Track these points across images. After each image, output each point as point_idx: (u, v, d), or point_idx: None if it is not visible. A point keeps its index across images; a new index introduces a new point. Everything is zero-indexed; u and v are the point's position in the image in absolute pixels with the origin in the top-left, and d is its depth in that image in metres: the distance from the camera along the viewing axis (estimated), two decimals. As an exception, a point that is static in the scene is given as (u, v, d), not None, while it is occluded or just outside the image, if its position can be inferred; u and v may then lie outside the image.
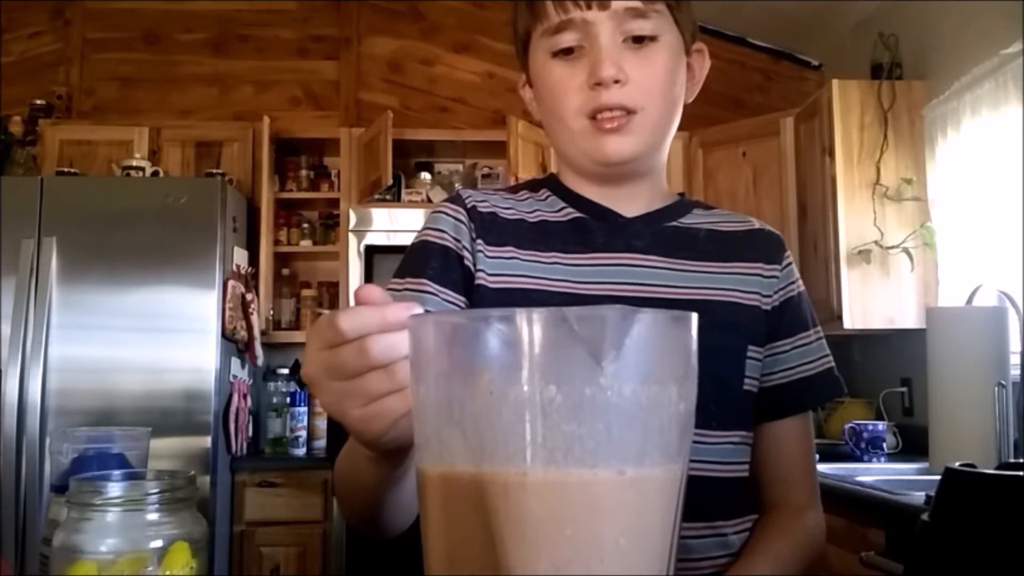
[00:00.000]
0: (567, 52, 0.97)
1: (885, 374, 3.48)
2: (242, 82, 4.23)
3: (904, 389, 3.34)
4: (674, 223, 1.05)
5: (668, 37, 0.98)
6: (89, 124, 3.99)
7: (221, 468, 3.30)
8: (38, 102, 3.96)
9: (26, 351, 3.16)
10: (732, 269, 1.03)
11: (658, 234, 1.03)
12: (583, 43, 0.96)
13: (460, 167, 4.13)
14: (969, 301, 2.65)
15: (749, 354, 1.00)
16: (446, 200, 1.04)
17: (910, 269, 3.10)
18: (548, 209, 1.04)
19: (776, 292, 1.05)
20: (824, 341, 1.07)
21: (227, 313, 3.31)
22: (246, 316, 3.46)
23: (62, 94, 4.09)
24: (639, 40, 0.96)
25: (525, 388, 0.46)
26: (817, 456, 1.14)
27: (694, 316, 0.51)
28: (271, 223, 3.82)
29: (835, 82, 3.23)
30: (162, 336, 3.23)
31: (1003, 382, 2.45)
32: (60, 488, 0.91)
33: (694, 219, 1.06)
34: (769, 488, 1.04)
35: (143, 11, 4.23)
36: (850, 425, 3.02)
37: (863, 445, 2.94)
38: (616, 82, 0.94)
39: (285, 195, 3.93)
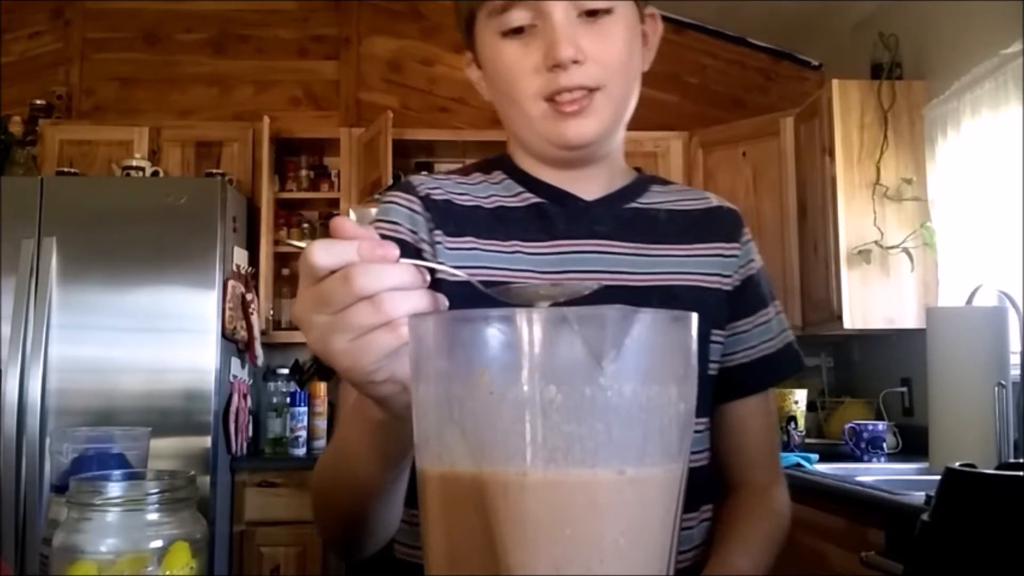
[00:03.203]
0: (518, 31, 0.91)
1: (885, 374, 3.48)
2: (242, 82, 4.23)
3: (904, 389, 3.33)
4: (634, 204, 1.01)
5: (622, 7, 0.93)
6: (89, 124, 3.99)
7: (221, 468, 3.29)
8: (38, 102, 3.96)
9: (26, 351, 3.16)
10: (694, 251, 1.01)
11: (619, 217, 0.99)
12: (535, 21, 0.90)
13: (460, 167, 4.12)
14: (969, 301, 2.65)
15: (713, 338, 0.99)
16: (396, 189, 0.99)
17: (910, 269, 3.10)
18: (505, 193, 1.00)
19: (736, 271, 1.03)
20: (783, 315, 1.06)
21: (227, 313, 3.31)
22: (246, 316, 3.46)
23: (62, 94, 4.09)
24: (593, 14, 0.91)
25: (525, 388, 0.46)
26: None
27: (694, 316, 0.51)
28: (271, 223, 3.82)
29: (835, 82, 3.23)
30: (162, 336, 3.23)
31: (1003, 382, 2.45)
32: (60, 488, 0.91)
33: (653, 198, 1.03)
34: (734, 469, 1.04)
35: (143, 11, 4.22)
36: (850, 425, 3.02)
37: (863, 445, 2.94)
38: (575, 62, 0.89)
39: (285, 195, 3.93)
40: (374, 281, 0.55)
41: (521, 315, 0.46)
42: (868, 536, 2.09)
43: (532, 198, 0.99)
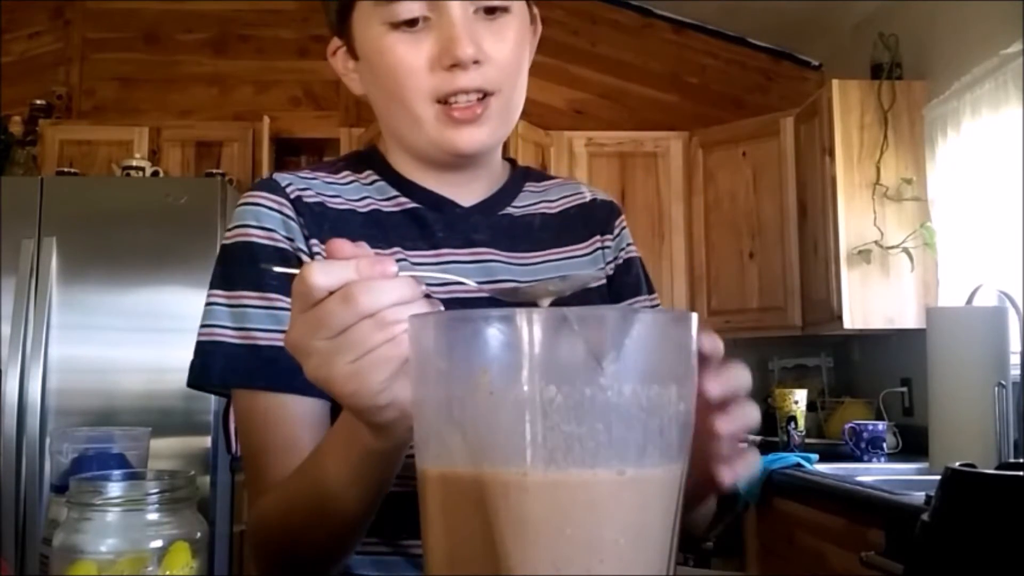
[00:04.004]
0: (409, 24, 0.83)
1: (885, 374, 3.48)
2: (242, 82, 4.23)
3: (904, 389, 3.33)
4: (509, 210, 0.96)
5: (518, 6, 0.87)
6: (89, 124, 3.99)
7: (221, 468, 3.29)
8: (38, 102, 3.96)
9: (26, 351, 3.15)
10: (572, 252, 0.97)
11: (495, 226, 0.94)
12: (429, 14, 0.82)
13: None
14: (969, 301, 2.65)
15: None
16: (259, 189, 0.90)
17: (910, 269, 3.10)
18: (378, 196, 0.92)
19: (609, 262, 1.00)
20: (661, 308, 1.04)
21: (227, 313, 3.31)
22: (246, 316, 3.46)
23: (62, 94, 4.09)
24: (491, 12, 0.84)
25: (525, 388, 0.46)
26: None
27: (694, 316, 0.51)
28: (271, 223, 3.82)
29: (835, 82, 3.23)
30: (162, 336, 3.23)
31: (1003, 382, 2.45)
32: (60, 488, 0.91)
33: (527, 200, 0.99)
34: None
35: (143, 11, 4.22)
36: (850, 425, 3.02)
37: (863, 445, 2.94)
38: (475, 62, 0.82)
39: (285, 195, 3.93)
40: (376, 298, 0.54)
41: (521, 315, 0.46)
42: (868, 536, 2.09)
43: (407, 203, 0.92)
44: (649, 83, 4.22)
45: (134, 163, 3.58)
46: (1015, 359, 2.56)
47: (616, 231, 1.02)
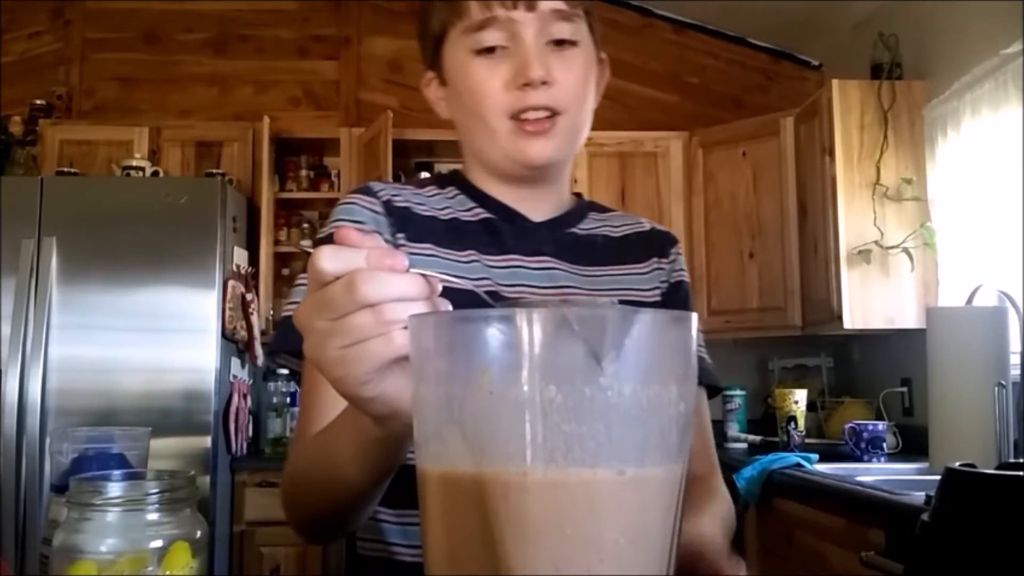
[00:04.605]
0: (489, 51, 0.96)
1: (885, 374, 3.48)
2: (242, 82, 4.23)
3: (904, 389, 3.33)
4: (573, 230, 1.08)
5: (585, 44, 0.99)
6: (89, 124, 3.99)
7: (221, 468, 3.29)
8: (38, 102, 3.96)
9: (26, 351, 3.16)
10: (630, 270, 1.08)
11: (560, 240, 1.05)
12: (506, 43, 0.96)
13: (460, 167, 4.11)
14: (969, 301, 2.65)
15: None
16: (356, 192, 1.02)
17: (910, 269, 3.10)
18: (459, 208, 1.05)
19: (663, 281, 1.10)
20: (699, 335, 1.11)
21: (227, 313, 3.31)
22: (246, 316, 3.46)
23: (62, 94, 4.09)
24: (560, 43, 0.97)
25: (525, 388, 0.46)
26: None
27: (694, 316, 0.51)
28: (271, 223, 3.82)
29: (835, 82, 3.23)
30: (162, 336, 3.23)
31: (1003, 382, 2.45)
32: (60, 488, 0.91)
33: (590, 224, 1.10)
34: None
35: (143, 11, 4.22)
36: (850, 425, 3.02)
37: (863, 445, 2.94)
38: (543, 83, 0.94)
39: (285, 195, 3.93)
40: (378, 289, 0.55)
41: (521, 315, 0.46)
42: (868, 536, 2.09)
43: (483, 213, 1.04)
44: (649, 83, 4.22)
45: (134, 163, 3.59)
46: (1015, 359, 2.56)
47: (671, 257, 1.12)
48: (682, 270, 1.13)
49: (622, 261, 1.08)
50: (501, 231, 1.03)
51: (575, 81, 0.97)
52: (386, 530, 0.97)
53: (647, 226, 1.15)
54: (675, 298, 1.10)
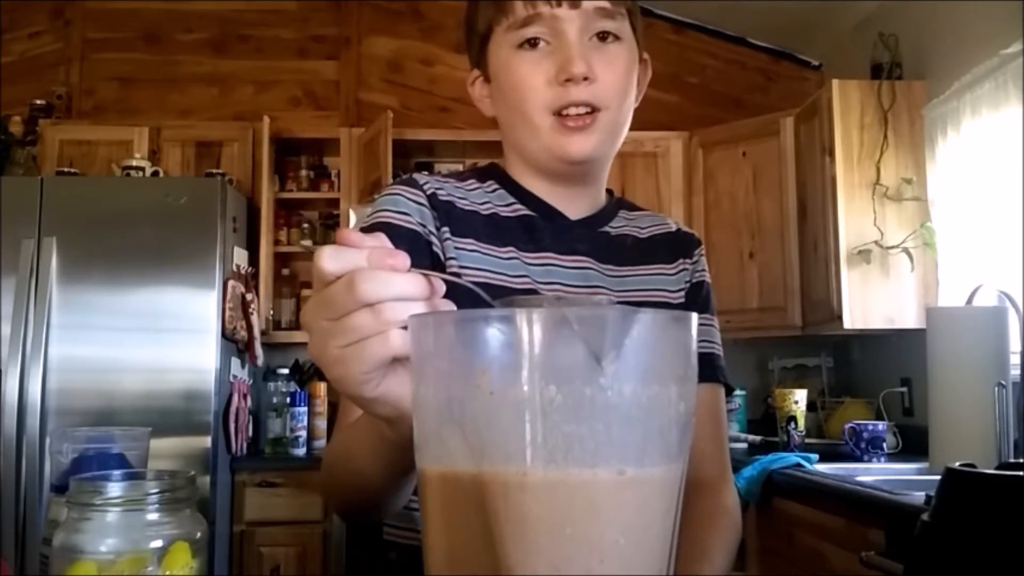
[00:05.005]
0: (532, 46, 0.97)
1: (885, 374, 3.48)
2: (242, 82, 4.23)
3: (904, 389, 3.33)
4: (607, 229, 1.09)
5: (627, 40, 1.00)
6: (89, 124, 3.99)
7: (221, 468, 3.29)
8: (38, 102, 3.96)
9: (26, 351, 3.16)
10: (658, 271, 1.09)
11: (595, 240, 1.06)
12: (549, 39, 0.97)
13: (460, 167, 4.12)
14: (969, 301, 2.65)
15: None
16: (400, 183, 1.02)
17: (910, 269, 3.10)
18: (498, 202, 1.05)
19: (687, 281, 1.12)
20: (716, 330, 1.13)
21: (227, 313, 3.31)
22: (246, 316, 3.46)
23: (62, 94, 4.09)
24: (604, 37, 0.98)
25: (525, 388, 0.46)
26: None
27: (694, 316, 0.51)
28: (271, 223, 3.82)
29: (835, 82, 3.23)
30: (162, 336, 3.23)
31: (1003, 382, 2.45)
32: (60, 488, 0.91)
33: (621, 223, 1.11)
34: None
35: (143, 11, 4.22)
36: (850, 425, 3.02)
37: (863, 445, 2.94)
38: (585, 79, 0.95)
39: (285, 195, 3.93)
40: (378, 288, 0.55)
41: (521, 315, 0.46)
42: (868, 536, 2.09)
43: (522, 209, 1.05)
44: (649, 83, 4.21)
45: (134, 163, 3.59)
46: (1015, 359, 2.56)
47: (695, 257, 1.14)
48: (704, 271, 1.15)
49: (650, 262, 1.09)
50: (539, 228, 1.04)
51: (617, 78, 0.98)
52: (418, 519, 0.98)
53: (673, 227, 1.16)
54: (697, 297, 1.12)
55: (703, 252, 1.16)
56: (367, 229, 0.95)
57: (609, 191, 1.14)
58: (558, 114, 0.97)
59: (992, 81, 2.73)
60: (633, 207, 1.16)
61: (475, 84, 1.07)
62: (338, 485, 0.85)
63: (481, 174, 1.09)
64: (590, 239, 1.06)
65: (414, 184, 1.01)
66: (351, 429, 0.79)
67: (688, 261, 1.13)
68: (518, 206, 1.05)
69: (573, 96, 0.95)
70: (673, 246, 1.13)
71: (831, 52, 4.08)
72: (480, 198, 1.04)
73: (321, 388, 3.74)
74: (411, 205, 0.98)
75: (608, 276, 1.05)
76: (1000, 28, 2.72)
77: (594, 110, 0.97)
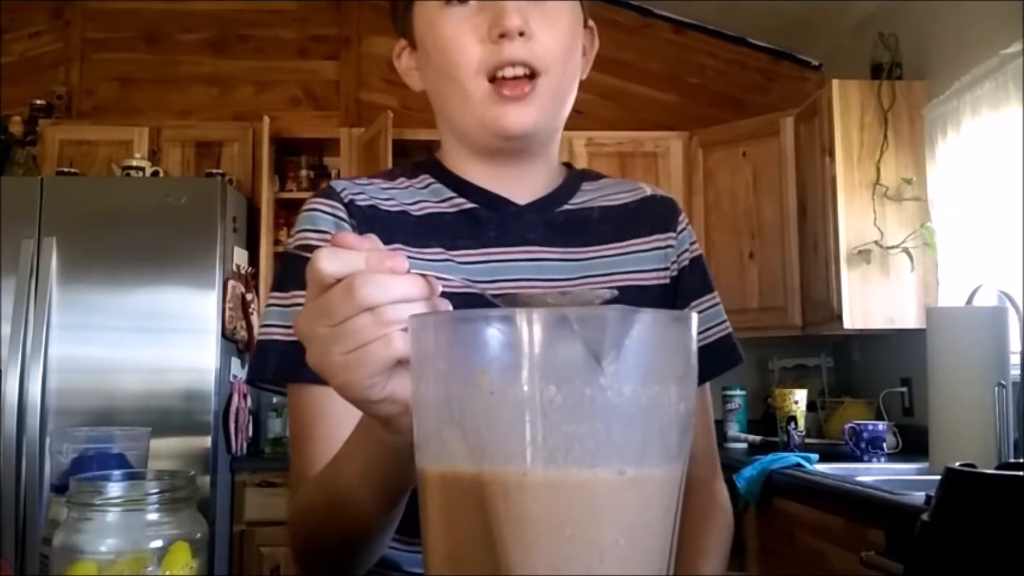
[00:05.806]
0: (461, 1, 0.87)
1: (885, 374, 3.48)
2: (242, 82, 4.23)
3: (904, 389, 3.33)
4: (566, 207, 0.98)
5: (570, 2, 0.91)
6: (89, 124, 3.99)
7: (221, 468, 3.30)
8: (38, 102, 3.96)
9: (26, 351, 3.16)
10: (630, 248, 0.98)
11: (550, 223, 0.96)
12: None
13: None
14: (969, 301, 2.65)
15: None
16: (317, 196, 0.94)
17: (910, 269, 3.10)
18: (433, 199, 0.96)
19: (673, 262, 1.01)
20: (721, 307, 1.03)
21: (227, 313, 3.31)
22: (246, 316, 3.46)
23: (62, 94, 4.09)
24: None
25: (525, 388, 0.46)
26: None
27: (694, 316, 0.51)
28: (271, 223, 3.82)
29: (835, 82, 3.23)
30: (162, 336, 3.23)
31: (1003, 382, 2.45)
32: (60, 488, 0.91)
33: (585, 197, 1.00)
34: None
35: (143, 11, 4.22)
36: (850, 425, 3.02)
37: (863, 445, 2.94)
38: (521, 34, 0.85)
39: (285, 195, 3.93)
40: (378, 292, 0.54)
41: (521, 315, 0.46)
42: (868, 536, 2.09)
43: (463, 203, 0.95)
44: (649, 83, 4.22)
45: (134, 163, 3.59)
46: (1015, 359, 2.56)
47: (679, 230, 1.02)
48: (694, 244, 1.03)
49: (621, 237, 0.98)
50: (482, 221, 0.94)
51: (557, 35, 0.88)
52: (397, 558, 0.91)
53: (647, 191, 1.04)
54: (692, 279, 1.01)
55: (686, 220, 1.04)
56: (289, 253, 0.92)
57: (567, 164, 1.04)
58: (493, 80, 0.86)
59: (992, 81, 2.73)
60: (598, 176, 1.05)
61: (401, 56, 0.97)
62: (317, 532, 0.79)
63: (413, 169, 1.00)
64: (544, 223, 0.95)
65: (331, 195, 0.93)
66: (332, 466, 0.75)
67: (670, 236, 1.01)
68: (458, 199, 0.95)
69: (508, 54, 0.85)
70: (648, 216, 1.01)
71: (831, 52, 4.08)
72: (410, 197, 0.96)
73: (321, 388, 3.73)
74: (328, 220, 0.91)
75: (568, 262, 0.95)
76: (1000, 28, 2.72)
77: (533, 74, 0.87)
